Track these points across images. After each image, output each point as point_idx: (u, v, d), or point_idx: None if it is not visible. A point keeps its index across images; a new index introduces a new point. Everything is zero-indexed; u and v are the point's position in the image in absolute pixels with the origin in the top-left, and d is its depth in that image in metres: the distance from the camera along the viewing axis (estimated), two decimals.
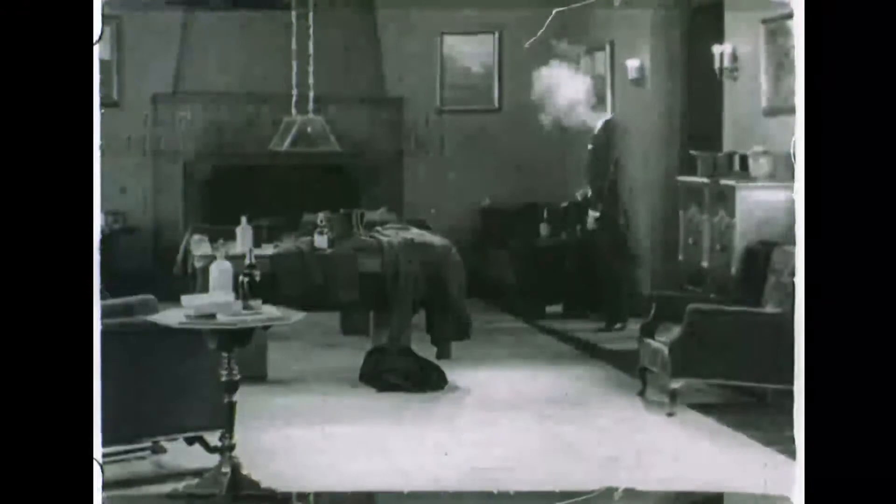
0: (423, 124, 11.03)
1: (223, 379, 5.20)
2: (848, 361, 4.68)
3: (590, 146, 8.73)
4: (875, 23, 4.70)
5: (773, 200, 7.43)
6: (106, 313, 5.16)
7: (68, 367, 4.65)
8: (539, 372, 7.69)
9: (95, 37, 4.74)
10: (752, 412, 6.58)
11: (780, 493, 5.04)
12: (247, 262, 5.32)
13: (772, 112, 8.05)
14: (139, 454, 5.75)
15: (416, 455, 5.96)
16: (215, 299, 5.39)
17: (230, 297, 5.39)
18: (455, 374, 7.47)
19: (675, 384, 6.66)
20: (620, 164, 8.24)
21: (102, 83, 4.86)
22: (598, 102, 9.41)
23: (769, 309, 6.65)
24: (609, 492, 5.36)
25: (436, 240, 7.81)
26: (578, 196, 7.96)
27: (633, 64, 9.63)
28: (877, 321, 4.66)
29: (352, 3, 10.63)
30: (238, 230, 7.44)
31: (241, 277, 5.29)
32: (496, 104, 11.01)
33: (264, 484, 5.31)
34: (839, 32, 4.74)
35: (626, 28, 9.66)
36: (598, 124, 8.53)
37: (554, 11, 7.01)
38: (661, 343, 6.81)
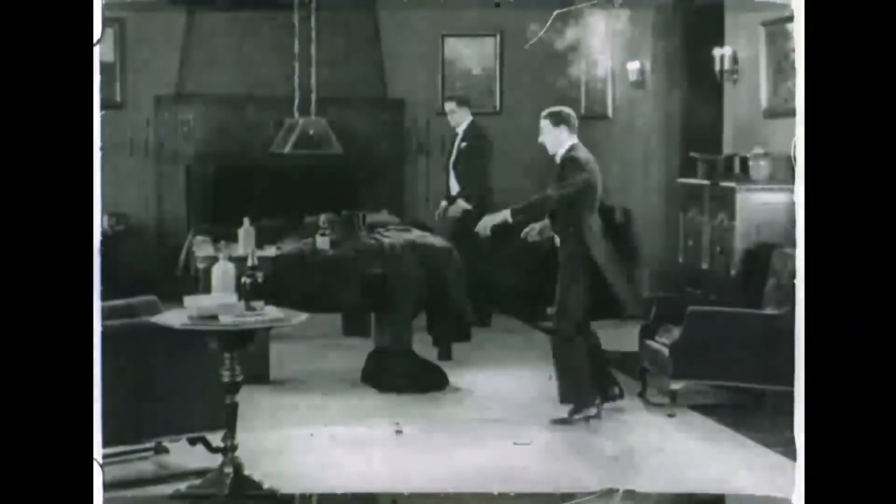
0: (425, 126, 11.04)
1: (225, 380, 5.22)
2: (848, 363, 4.70)
3: (463, 144, 8.73)
4: (875, 25, 4.72)
5: (773, 202, 7.45)
6: (108, 314, 5.19)
7: (69, 368, 4.67)
8: (538, 373, 7.70)
9: (96, 38, 4.76)
10: (752, 413, 6.59)
11: (780, 495, 5.06)
12: (249, 263, 5.34)
13: (772, 114, 8.06)
14: (142, 455, 5.77)
15: (418, 456, 5.98)
16: (218, 300, 5.41)
17: (232, 298, 5.41)
18: (456, 375, 7.49)
19: (676, 385, 6.68)
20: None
21: (105, 85, 4.89)
22: None
23: (769, 311, 6.67)
24: (609, 493, 5.37)
25: (437, 241, 7.83)
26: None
27: (633, 66, 9.65)
28: (876, 322, 4.67)
29: (354, 5, 10.64)
30: (240, 231, 7.45)
31: (243, 279, 5.31)
32: (497, 106, 11.02)
33: (266, 484, 5.33)
34: (839, 35, 4.76)
35: (626, 30, 9.67)
36: (463, 125, 8.60)
37: (555, 13, 7.03)
38: (661, 344, 6.83)
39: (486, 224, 6.88)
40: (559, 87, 10.48)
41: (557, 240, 6.78)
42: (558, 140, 6.74)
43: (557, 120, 6.78)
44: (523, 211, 6.80)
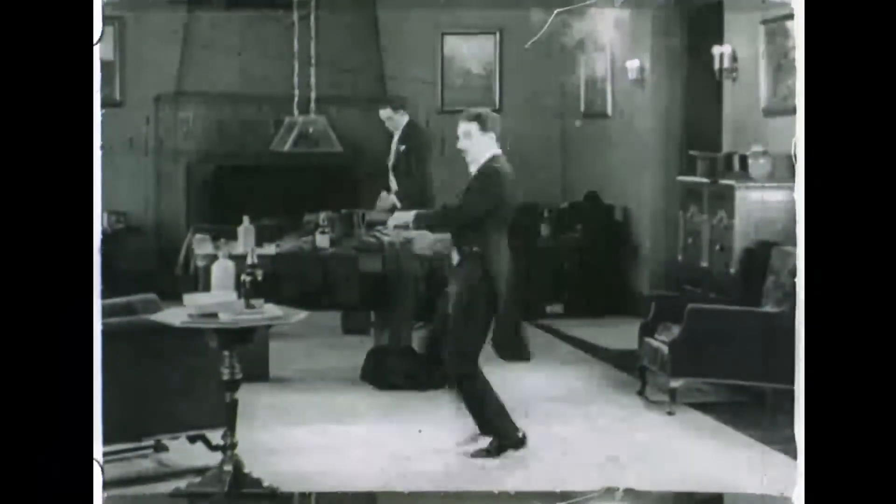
0: (424, 125, 11.04)
1: (225, 377, 5.22)
2: (848, 361, 4.70)
3: (401, 147, 8.71)
4: (875, 23, 4.73)
5: (772, 201, 7.45)
6: (108, 313, 5.19)
7: (69, 365, 4.67)
8: (538, 371, 7.71)
9: (96, 37, 4.76)
10: (752, 411, 6.59)
11: (780, 493, 5.06)
12: (248, 261, 5.34)
13: (771, 112, 8.06)
14: (142, 452, 5.77)
15: (417, 454, 5.98)
16: (217, 298, 5.41)
17: (232, 296, 5.41)
18: None
19: (675, 383, 6.69)
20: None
21: (105, 84, 4.89)
22: None
23: (768, 308, 6.68)
24: (609, 492, 5.38)
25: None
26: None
27: (632, 65, 9.65)
28: (876, 321, 4.68)
29: (353, 3, 10.65)
30: (240, 230, 7.46)
31: (242, 277, 5.31)
32: (497, 104, 11.02)
33: (266, 482, 5.33)
34: (839, 33, 4.76)
35: (626, 29, 9.68)
36: (401, 128, 8.62)
37: (555, 12, 7.03)
38: (660, 342, 6.84)
39: (392, 220, 6.40)
40: (559, 85, 10.50)
41: (455, 258, 6.08)
42: (483, 148, 5.98)
43: (486, 124, 5.98)
44: (428, 218, 6.30)
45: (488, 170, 5.98)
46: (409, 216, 6.23)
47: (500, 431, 5.99)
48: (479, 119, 5.98)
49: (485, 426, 6.00)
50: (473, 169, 6.01)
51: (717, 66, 8.66)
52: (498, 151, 6.04)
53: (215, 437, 5.45)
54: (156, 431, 5.65)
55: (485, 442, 5.99)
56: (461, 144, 6.00)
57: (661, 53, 9.51)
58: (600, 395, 7.17)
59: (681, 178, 8.75)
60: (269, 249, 7.53)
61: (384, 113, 8.68)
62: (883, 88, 4.73)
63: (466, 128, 5.96)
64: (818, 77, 4.81)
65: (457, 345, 5.96)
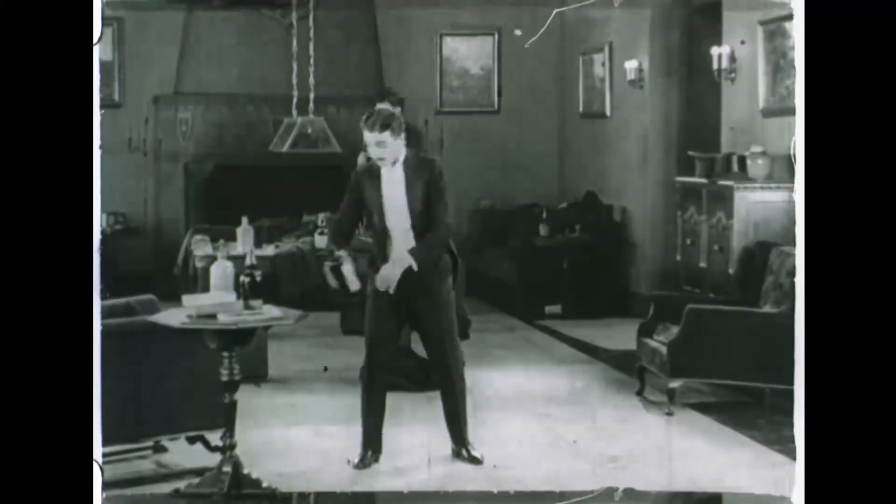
0: (423, 125, 11.05)
1: (224, 378, 5.23)
2: (847, 361, 4.70)
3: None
4: (874, 23, 4.73)
5: (771, 201, 7.46)
6: (107, 313, 5.19)
7: (68, 367, 4.67)
8: (538, 371, 7.71)
9: (95, 38, 4.77)
10: (750, 412, 6.60)
11: (780, 493, 5.07)
12: (247, 262, 5.35)
13: (769, 113, 8.07)
14: (141, 453, 5.77)
15: (416, 454, 5.98)
16: (216, 299, 5.42)
17: (231, 297, 5.42)
18: None
19: (674, 384, 6.69)
20: None
21: (103, 84, 4.90)
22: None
23: (767, 309, 6.68)
24: (609, 492, 5.38)
25: None
26: None
27: (631, 65, 9.66)
28: (876, 321, 4.68)
29: (352, 4, 10.65)
30: (239, 230, 7.47)
31: (241, 277, 5.31)
32: (495, 105, 11.03)
33: (265, 483, 5.34)
34: (838, 33, 4.77)
35: (625, 29, 9.69)
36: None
37: (554, 12, 7.04)
38: (659, 343, 6.84)
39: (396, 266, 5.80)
40: (557, 85, 10.50)
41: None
42: (397, 150, 5.71)
43: (396, 130, 5.67)
44: (430, 252, 5.81)
45: (440, 173, 5.77)
46: (407, 260, 5.76)
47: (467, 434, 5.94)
48: (389, 128, 5.64)
49: (463, 432, 5.95)
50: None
51: (715, 66, 8.67)
52: (404, 150, 5.77)
53: (214, 437, 5.45)
54: (155, 432, 5.66)
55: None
56: (374, 153, 5.70)
57: (660, 54, 9.52)
58: (599, 396, 7.17)
59: (679, 178, 8.76)
60: (268, 250, 7.54)
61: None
62: (882, 89, 4.74)
63: (380, 137, 5.63)
64: (817, 77, 4.82)
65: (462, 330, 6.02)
